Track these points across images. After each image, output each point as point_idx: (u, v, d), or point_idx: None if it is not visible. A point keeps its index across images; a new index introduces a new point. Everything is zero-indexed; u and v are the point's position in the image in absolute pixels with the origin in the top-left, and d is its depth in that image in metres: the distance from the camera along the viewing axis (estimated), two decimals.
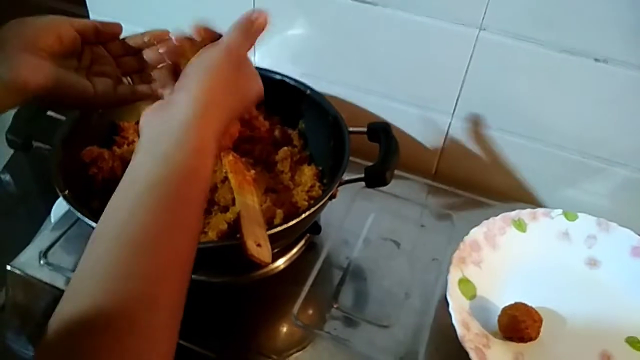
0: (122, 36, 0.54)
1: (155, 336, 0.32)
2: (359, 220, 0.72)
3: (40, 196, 0.99)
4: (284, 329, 0.61)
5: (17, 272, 0.63)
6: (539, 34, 0.64)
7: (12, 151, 0.97)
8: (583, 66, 0.64)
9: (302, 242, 0.68)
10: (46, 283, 0.62)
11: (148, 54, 0.53)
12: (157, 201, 0.35)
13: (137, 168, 0.37)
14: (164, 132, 0.39)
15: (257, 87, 0.49)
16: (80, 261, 0.33)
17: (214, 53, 0.45)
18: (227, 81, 0.44)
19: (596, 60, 0.63)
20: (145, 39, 0.53)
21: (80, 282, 0.32)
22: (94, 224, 0.51)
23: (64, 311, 0.31)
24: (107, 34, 0.52)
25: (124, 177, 0.37)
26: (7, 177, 1.02)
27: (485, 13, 0.64)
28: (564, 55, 0.64)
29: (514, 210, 0.69)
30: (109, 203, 0.36)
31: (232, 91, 0.45)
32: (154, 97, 0.53)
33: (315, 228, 0.67)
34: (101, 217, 0.35)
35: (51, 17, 0.49)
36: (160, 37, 0.53)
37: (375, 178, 0.58)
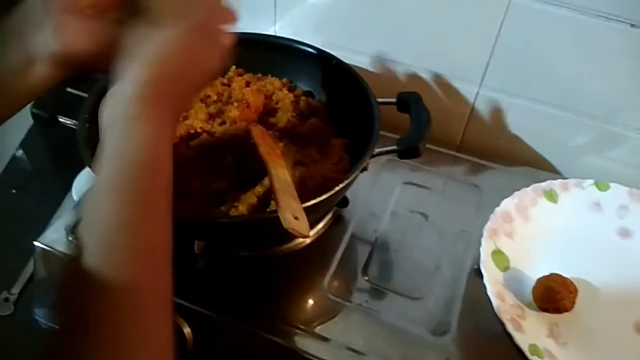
0: None
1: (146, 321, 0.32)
2: (385, 192, 0.71)
3: (55, 172, 0.99)
4: (315, 301, 0.60)
5: (44, 247, 0.63)
6: None
7: (27, 128, 0.97)
8: (619, 32, 0.62)
9: (329, 216, 0.67)
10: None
11: None
12: (118, 198, 0.33)
13: (99, 161, 0.35)
14: (116, 127, 0.35)
15: (214, 62, 0.42)
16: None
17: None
18: (182, 63, 0.38)
19: (632, 25, 0.61)
20: None
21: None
22: None
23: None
24: None
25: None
26: (20, 152, 1.01)
27: None
28: (598, 21, 0.62)
29: (542, 180, 0.68)
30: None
31: (186, 74, 0.39)
32: None
33: (343, 201, 0.66)
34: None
35: None
36: None
37: (409, 150, 0.57)
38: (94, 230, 0.32)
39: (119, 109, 0.35)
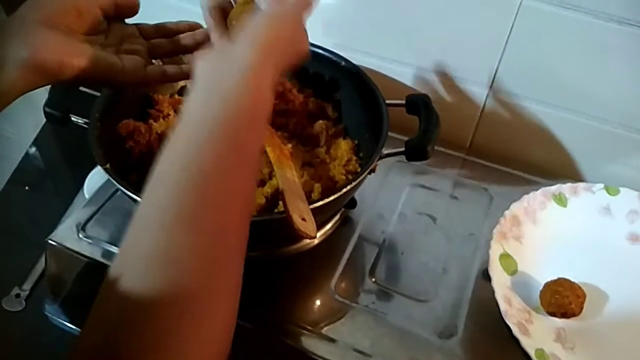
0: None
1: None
2: (393, 194, 0.71)
3: (68, 170, 1.00)
4: (322, 302, 0.61)
5: (56, 245, 0.64)
6: (585, 2, 0.61)
7: (40, 125, 0.98)
8: (630, 35, 0.62)
9: (337, 217, 0.67)
10: (84, 255, 0.63)
11: (185, 40, 0.55)
12: (218, 141, 0.35)
13: (194, 106, 0.37)
14: (224, 73, 0.38)
15: (307, 44, 0.49)
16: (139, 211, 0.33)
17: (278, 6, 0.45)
18: (286, 32, 0.44)
19: None
20: (179, 27, 0.55)
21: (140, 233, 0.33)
22: (135, 197, 0.51)
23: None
24: (125, 8, 0.51)
25: (179, 118, 0.37)
26: (33, 150, 1.03)
27: None
28: (610, 25, 0.62)
29: (551, 184, 0.68)
30: (165, 146, 0.36)
31: (289, 43, 0.44)
32: (184, 78, 0.54)
33: (351, 202, 0.66)
34: (160, 160, 0.35)
35: None
36: (192, 27, 0.55)
37: (417, 152, 0.57)
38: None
39: (234, 65, 0.39)
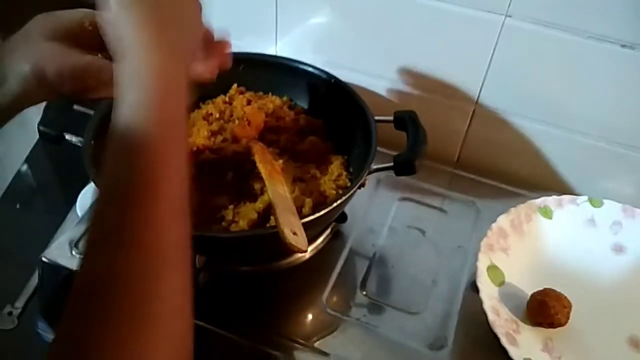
0: None
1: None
2: (383, 208, 0.72)
3: (58, 188, 1.00)
4: (314, 316, 0.61)
5: (49, 262, 0.64)
6: (565, 20, 0.64)
7: (32, 143, 0.99)
8: (609, 52, 0.64)
9: (328, 231, 0.68)
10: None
11: None
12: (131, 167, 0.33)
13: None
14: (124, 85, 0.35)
15: (200, 15, 0.43)
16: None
17: None
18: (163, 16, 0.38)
19: (623, 46, 0.63)
20: None
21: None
22: None
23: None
24: None
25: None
26: (25, 168, 1.03)
27: (511, 0, 0.64)
28: (590, 42, 0.64)
29: (537, 197, 0.69)
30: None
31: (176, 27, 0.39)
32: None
33: (342, 217, 0.67)
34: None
35: (79, 9, 0.47)
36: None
37: (405, 166, 0.58)
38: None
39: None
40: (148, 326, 0.30)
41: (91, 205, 0.33)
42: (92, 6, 0.49)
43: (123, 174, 0.33)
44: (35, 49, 0.43)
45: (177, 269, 0.32)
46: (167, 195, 0.33)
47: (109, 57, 0.46)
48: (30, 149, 0.99)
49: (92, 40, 0.46)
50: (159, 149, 0.34)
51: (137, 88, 0.35)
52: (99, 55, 0.46)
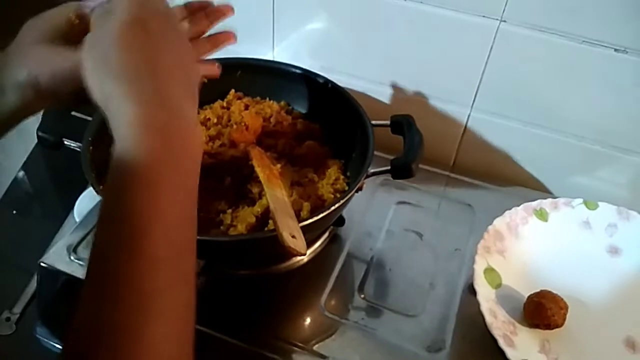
0: None
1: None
2: (380, 212, 0.73)
3: (55, 194, 1.00)
4: (312, 319, 0.62)
5: (48, 267, 0.64)
6: (559, 25, 0.65)
7: (30, 149, 0.99)
8: (603, 56, 0.65)
9: (326, 235, 0.68)
10: (76, 277, 0.63)
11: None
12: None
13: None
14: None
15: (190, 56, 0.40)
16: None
17: (111, 23, 0.36)
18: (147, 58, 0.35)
19: (616, 50, 0.64)
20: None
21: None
22: None
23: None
24: None
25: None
26: (22, 174, 1.03)
27: (505, 5, 0.65)
28: (584, 46, 0.65)
29: (533, 200, 0.70)
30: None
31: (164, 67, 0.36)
32: None
33: (340, 220, 0.68)
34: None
35: (65, 5, 0.45)
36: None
37: (402, 170, 0.59)
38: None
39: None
40: None
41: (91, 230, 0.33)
42: None
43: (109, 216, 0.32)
44: (28, 57, 0.42)
45: (163, 316, 0.31)
46: (150, 247, 0.32)
47: None
48: (27, 154, 0.99)
49: (82, 34, 0.43)
50: (145, 192, 0.33)
51: (118, 137, 0.34)
52: None
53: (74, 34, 0.44)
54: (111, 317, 0.30)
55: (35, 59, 0.42)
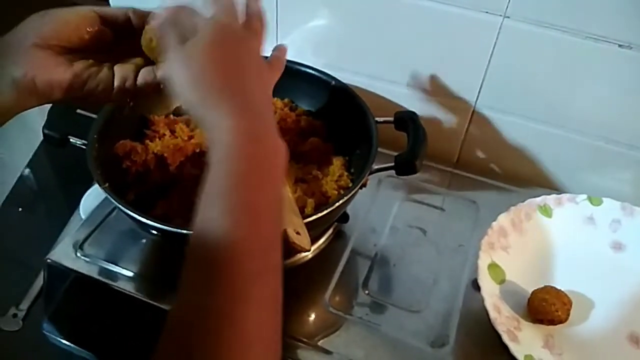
0: None
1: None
2: (384, 208, 0.73)
3: (60, 192, 1.00)
4: (316, 315, 0.62)
5: (54, 263, 0.64)
6: (563, 20, 0.64)
7: (35, 147, 0.99)
8: (607, 52, 0.65)
9: (330, 231, 0.69)
10: (82, 274, 0.64)
11: None
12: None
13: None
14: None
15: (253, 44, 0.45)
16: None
17: (201, 44, 0.41)
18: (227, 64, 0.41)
19: (620, 46, 0.64)
20: None
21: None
22: (133, 215, 0.53)
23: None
24: (141, 23, 0.47)
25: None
26: (27, 172, 1.04)
27: (509, 1, 0.65)
28: (587, 42, 0.65)
29: (537, 196, 0.70)
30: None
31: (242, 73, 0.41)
32: None
33: (344, 217, 0.68)
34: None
35: (77, 9, 0.45)
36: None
37: (406, 166, 0.59)
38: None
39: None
40: None
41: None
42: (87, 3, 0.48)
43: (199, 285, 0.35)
44: (27, 57, 0.43)
45: (260, 302, 0.35)
46: (246, 241, 0.35)
47: (103, 60, 0.47)
48: (33, 152, 1.00)
49: (88, 45, 0.46)
50: (247, 192, 0.37)
51: (219, 144, 0.38)
52: (91, 60, 0.46)
53: (78, 43, 0.45)
54: (212, 304, 0.33)
55: (33, 63, 0.43)
